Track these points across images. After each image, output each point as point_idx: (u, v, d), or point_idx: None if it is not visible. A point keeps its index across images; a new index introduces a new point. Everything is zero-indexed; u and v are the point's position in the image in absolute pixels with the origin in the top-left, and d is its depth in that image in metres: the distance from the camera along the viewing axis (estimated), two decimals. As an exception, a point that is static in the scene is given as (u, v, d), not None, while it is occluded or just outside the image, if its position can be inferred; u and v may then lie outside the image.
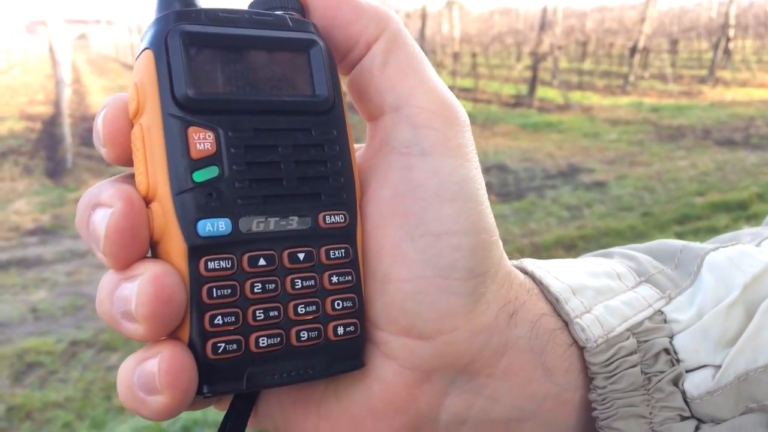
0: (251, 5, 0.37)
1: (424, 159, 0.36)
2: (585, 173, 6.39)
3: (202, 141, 0.33)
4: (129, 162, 0.35)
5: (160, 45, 0.33)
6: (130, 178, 0.35)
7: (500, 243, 0.38)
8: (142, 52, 0.34)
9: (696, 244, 0.44)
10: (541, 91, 11.66)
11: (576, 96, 11.54)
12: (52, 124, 9.85)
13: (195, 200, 0.32)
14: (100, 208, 0.33)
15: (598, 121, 9.30)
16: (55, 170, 6.97)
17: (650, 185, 5.89)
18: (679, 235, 4.48)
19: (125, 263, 0.32)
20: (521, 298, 0.38)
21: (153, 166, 0.33)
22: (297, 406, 0.38)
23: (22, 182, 6.55)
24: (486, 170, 6.52)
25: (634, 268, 0.43)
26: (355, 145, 0.40)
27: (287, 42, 0.35)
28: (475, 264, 0.36)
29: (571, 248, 4.33)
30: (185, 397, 0.32)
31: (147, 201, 0.33)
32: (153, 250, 0.34)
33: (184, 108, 0.32)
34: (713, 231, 4.55)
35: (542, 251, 4.30)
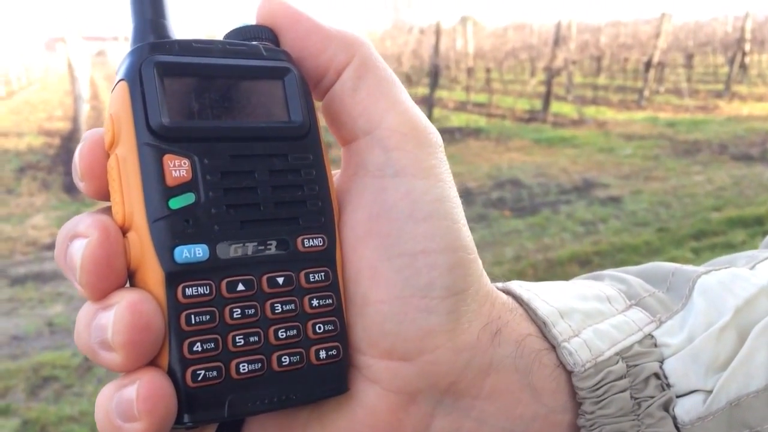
0: (225, 36, 0.38)
1: (397, 180, 0.36)
2: (600, 188, 6.36)
3: (178, 168, 0.33)
4: (107, 196, 0.35)
5: (134, 76, 0.33)
6: (109, 210, 0.35)
7: (479, 261, 0.38)
8: (117, 83, 0.34)
9: (689, 267, 0.44)
10: (556, 106, 11.64)
11: (590, 111, 11.51)
12: (70, 139, 9.95)
13: (171, 227, 0.32)
14: (77, 238, 0.33)
15: (613, 135, 9.26)
16: (73, 185, 7.03)
17: (666, 200, 5.85)
18: (696, 251, 4.44)
19: (102, 293, 0.32)
20: (504, 318, 0.38)
21: (129, 195, 0.33)
22: None
23: (40, 197, 6.62)
24: (500, 185, 6.51)
25: (625, 291, 0.42)
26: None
27: (261, 70, 0.36)
28: (453, 282, 0.36)
29: (585, 264, 4.30)
30: (163, 425, 0.31)
31: (124, 230, 0.33)
32: (131, 280, 0.33)
33: (159, 137, 0.33)
34: (730, 247, 4.50)
35: (556, 267, 4.28)
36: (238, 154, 0.34)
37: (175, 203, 0.32)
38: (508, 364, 0.37)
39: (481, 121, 10.73)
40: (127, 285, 0.34)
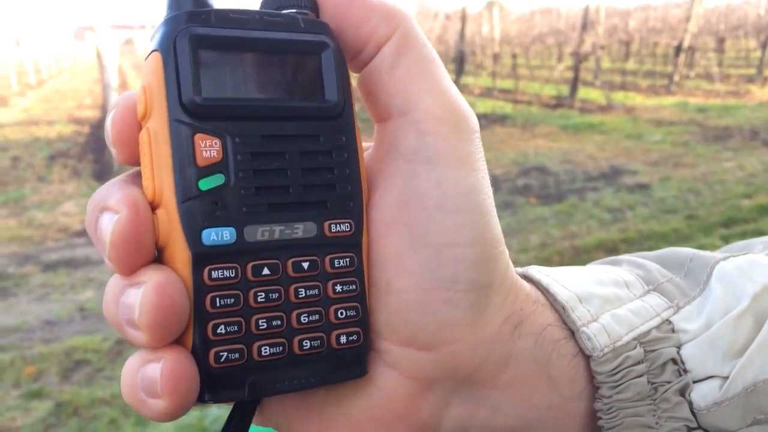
0: (263, 5, 0.37)
1: (430, 168, 0.35)
2: (628, 175, 6.29)
3: (209, 148, 0.32)
4: (138, 162, 0.34)
5: (169, 48, 0.32)
6: (139, 180, 0.34)
7: (506, 253, 0.37)
8: (151, 53, 0.34)
9: (706, 253, 0.44)
10: (583, 92, 11.50)
11: (619, 96, 11.35)
12: (99, 127, 10.07)
13: (200, 208, 0.32)
14: (107, 212, 0.33)
15: (642, 121, 9.13)
16: (102, 173, 7.14)
17: (695, 187, 5.77)
18: (725, 239, 4.38)
19: (130, 269, 0.32)
20: (527, 309, 0.38)
21: (159, 172, 0.32)
22: (299, 410, 0.38)
23: (71, 184, 6.73)
24: (526, 172, 6.46)
25: (643, 277, 0.42)
26: (364, 144, 0.39)
27: (298, 44, 0.35)
28: (478, 276, 0.35)
29: (612, 251, 4.26)
30: (185, 403, 0.32)
31: (153, 206, 0.33)
32: (159, 254, 0.34)
33: (191, 114, 0.32)
34: (760, 234, 4.41)
35: (583, 254, 4.25)
36: (269, 134, 0.34)
37: (205, 184, 0.32)
38: (527, 355, 0.37)
39: (507, 108, 10.64)
40: (156, 259, 0.34)
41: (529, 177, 6.29)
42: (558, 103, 11.10)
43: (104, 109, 9.77)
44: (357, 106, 0.38)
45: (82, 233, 5.10)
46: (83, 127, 10.53)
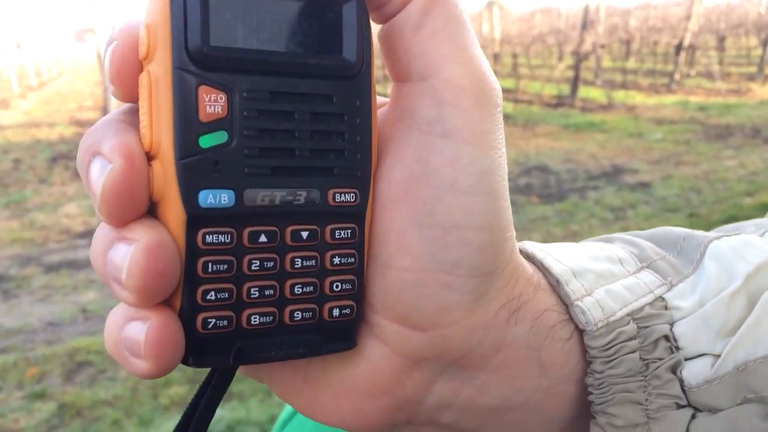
0: None
1: (445, 142, 0.33)
2: (629, 174, 6.28)
3: (213, 103, 0.30)
4: (137, 101, 0.32)
5: None
6: (136, 121, 0.32)
7: (514, 237, 0.36)
8: None
9: (699, 233, 0.43)
10: (584, 91, 11.49)
11: (620, 95, 11.34)
12: (100, 129, 10.06)
13: (199, 168, 0.30)
14: (99, 158, 0.30)
15: (643, 120, 9.12)
16: (104, 174, 7.11)
17: (697, 186, 5.76)
18: (727, 237, 4.37)
19: (122, 222, 0.30)
20: (526, 295, 0.37)
21: (158, 123, 0.30)
22: (284, 369, 0.38)
23: (72, 186, 6.72)
24: (527, 171, 6.46)
25: (636, 254, 0.42)
26: (379, 99, 0.36)
27: None
28: (482, 263, 0.34)
29: (614, 250, 4.26)
30: (168, 366, 0.31)
31: (149, 157, 0.31)
32: (152, 207, 0.31)
33: (197, 63, 0.29)
34: (763, 232, 4.42)
35: (585, 253, 4.24)
36: (279, 91, 0.31)
37: (206, 141, 0.30)
38: (520, 341, 0.36)
39: (508, 107, 10.63)
40: (149, 211, 0.32)
41: (531, 176, 6.28)
42: (559, 102, 11.09)
43: (105, 110, 9.78)
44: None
45: (84, 235, 5.10)
46: (84, 129, 10.52)
